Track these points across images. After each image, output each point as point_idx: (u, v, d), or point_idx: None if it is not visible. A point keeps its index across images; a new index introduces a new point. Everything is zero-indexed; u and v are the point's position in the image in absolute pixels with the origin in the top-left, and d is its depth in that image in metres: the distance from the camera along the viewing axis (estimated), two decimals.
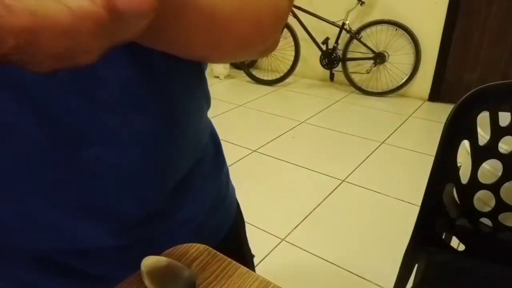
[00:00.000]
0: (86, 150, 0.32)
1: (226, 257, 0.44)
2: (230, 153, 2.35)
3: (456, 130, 0.83)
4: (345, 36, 3.31)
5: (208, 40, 0.29)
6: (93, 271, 0.40)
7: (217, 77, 3.83)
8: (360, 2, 3.17)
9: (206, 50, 0.30)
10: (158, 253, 0.41)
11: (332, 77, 3.59)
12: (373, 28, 3.22)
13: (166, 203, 0.41)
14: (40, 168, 0.31)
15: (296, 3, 3.36)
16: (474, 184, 0.87)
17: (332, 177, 2.11)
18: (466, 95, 0.80)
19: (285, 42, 3.60)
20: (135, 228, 0.40)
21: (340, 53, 3.37)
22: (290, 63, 3.50)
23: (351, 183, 2.06)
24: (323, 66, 3.47)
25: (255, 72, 3.75)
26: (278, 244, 1.63)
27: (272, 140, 2.54)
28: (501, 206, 0.87)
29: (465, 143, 0.85)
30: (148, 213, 0.40)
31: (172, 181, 0.41)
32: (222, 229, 0.52)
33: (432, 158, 0.86)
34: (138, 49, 0.27)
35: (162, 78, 0.34)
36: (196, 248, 0.45)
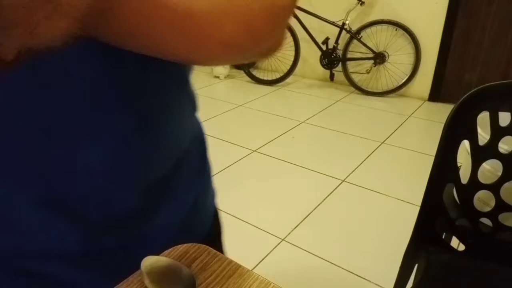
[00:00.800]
0: (54, 146, 0.31)
1: (226, 257, 0.44)
2: (230, 153, 2.36)
3: (456, 130, 0.83)
4: (345, 36, 3.31)
5: (185, 40, 0.27)
6: (65, 278, 0.38)
7: (217, 77, 3.83)
8: (360, 2, 3.17)
9: (185, 51, 0.28)
10: (134, 262, 0.40)
11: (332, 77, 3.59)
12: (373, 28, 3.22)
13: (141, 207, 0.39)
14: (7, 159, 0.30)
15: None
16: (474, 184, 0.87)
17: (332, 177, 2.11)
18: (466, 95, 0.80)
19: (285, 42, 3.59)
20: (106, 232, 0.38)
21: (340, 53, 3.37)
22: (290, 63, 3.50)
23: (351, 183, 2.06)
24: (323, 66, 3.47)
25: (255, 72, 3.75)
26: (278, 244, 1.63)
27: (272, 140, 2.54)
28: (501, 206, 0.87)
29: (465, 143, 0.85)
30: (119, 216, 0.38)
31: (145, 182, 0.39)
32: (198, 235, 0.49)
33: (432, 158, 0.86)
34: (112, 47, 0.27)
35: (135, 77, 0.33)
36: (196, 248, 0.45)
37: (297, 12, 3.35)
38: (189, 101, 0.43)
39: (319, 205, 1.88)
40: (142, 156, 0.37)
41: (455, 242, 0.95)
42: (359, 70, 3.42)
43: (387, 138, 2.56)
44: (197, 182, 0.48)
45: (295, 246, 1.62)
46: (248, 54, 0.32)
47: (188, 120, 0.44)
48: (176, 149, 0.42)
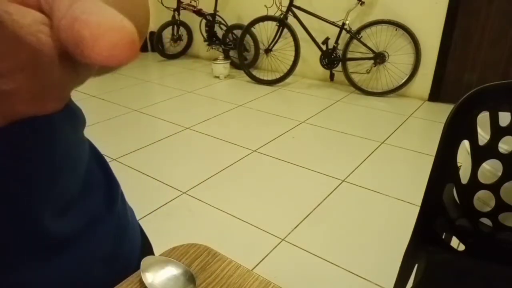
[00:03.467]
0: None
1: (226, 256, 0.44)
2: (230, 153, 2.36)
3: (456, 130, 0.83)
4: (345, 36, 3.31)
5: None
6: None
7: (217, 77, 3.83)
8: (360, 2, 3.17)
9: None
10: None
11: (332, 77, 3.59)
12: (373, 28, 3.22)
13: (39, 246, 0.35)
14: None
15: (296, 3, 3.36)
16: (474, 184, 0.87)
17: (332, 177, 2.11)
18: (466, 95, 0.80)
19: (285, 42, 3.60)
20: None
21: (340, 53, 3.37)
22: (290, 63, 3.50)
23: (351, 183, 2.06)
24: (323, 66, 3.47)
25: (255, 72, 3.75)
26: (278, 244, 1.63)
27: (272, 140, 2.54)
28: (501, 206, 0.87)
29: (465, 143, 0.85)
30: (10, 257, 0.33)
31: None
32: (131, 260, 0.46)
33: (432, 158, 0.86)
34: None
35: None
36: (196, 248, 0.45)
37: (297, 12, 3.35)
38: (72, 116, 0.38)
39: (319, 205, 1.88)
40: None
41: (455, 242, 0.95)
42: (359, 70, 3.42)
43: (387, 138, 2.56)
44: (110, 207, 0.43)
45: (295, 246, 1.62)
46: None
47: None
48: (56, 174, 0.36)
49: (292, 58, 3.48)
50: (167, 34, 4.34)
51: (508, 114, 0.80)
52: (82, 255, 0.39)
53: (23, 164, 0.31)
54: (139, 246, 0.48)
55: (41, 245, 0.35)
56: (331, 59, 3.40)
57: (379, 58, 3.25)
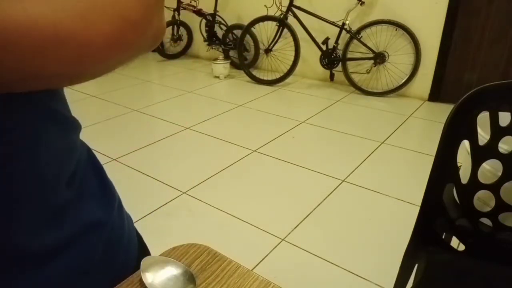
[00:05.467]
0: None
1: (226, 256, 0.44)
2: (230, 153, 2.36)
3: (456, 130, 0.83)
4: (345, 36, 3.31)
5: (64, 57, 0.24)
6: None
7: (217, 77, 3.83)
8: (360, 2, 3.17)
9: (67, 68, 0.25)
10: None
11: (332, 77, 3.59)
12: (373, 28, 3.22)
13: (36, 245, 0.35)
14: None
15: (296, 3, 3.36)
16: (474, 184, 0.87)
17: (332, 177, 2.11)
18: (466, 95, 0.80)
19: (285, 42, 3.60)
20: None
21: (340, 53, 3.37)
22: (290, 63, 3.50)
23: (351, 183, 2.06)
24: (323, 66, 3.47)
25: (255, 72, 3.75)
26: (278, 244, 1.63)
27: (272, 140, 2.54)
28: (501, 206, 0.87)
29: (465, 143, 0.85)
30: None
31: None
32: (128, 267, 0.46)
33: (432, 158, 0.86)
34: None
35: None
36: (196, 248, 0.45)
37: (297, 12, 3.35)
38: (61, 121, 0.37)
39: (319, 205, 1.88)
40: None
41: (455, 242, 0.95)
42: (359, 70, 3.42)
43: (387, 138, 2.56)
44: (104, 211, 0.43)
45: (295, 246, 1.62)
46: (136, 48, 0.30)
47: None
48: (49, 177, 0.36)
49: (292, 58, 3.48)
50: (167, 34, 4.34)
51: (508, 114, 0.80)
52: (63, 269, 0.37)
53: (4, 169, 0.31)
54: (135, 258, 0.47)
55: (13, 260, 0.34)
56: (331, 59, 3.40)
57: (379, 58, 3.25)
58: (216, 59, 3.83)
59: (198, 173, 2.14)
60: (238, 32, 3.88)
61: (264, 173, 2.18)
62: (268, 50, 3.69)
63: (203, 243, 0.46)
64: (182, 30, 4.43)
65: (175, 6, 4.18)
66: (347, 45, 3.30)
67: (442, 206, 0.89)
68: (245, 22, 3.65)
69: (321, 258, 1.56)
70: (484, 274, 0.88)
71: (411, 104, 3.17)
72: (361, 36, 3.24)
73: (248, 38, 3.73)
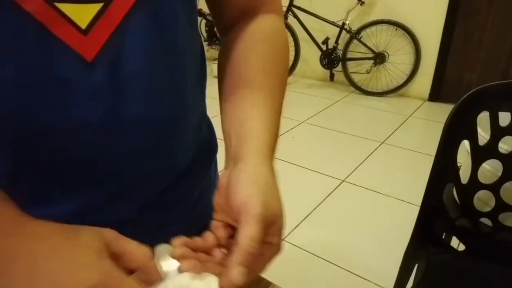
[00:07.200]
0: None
1: None
2: None
3: (456, 130, 0.83)
4: (345, 36, 3.31)
5: None
6: None
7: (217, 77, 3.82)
8: (360, 2, 3.17)
9: None
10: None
11: (332, 77, 3.59)
12: (373, 28, 3.22)
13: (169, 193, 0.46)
14: None
15: (296, 3, 3.36)
16: (474, 184, 0.87)
17: (332, 177, 2.11)
18: (466, 95, 0.80)
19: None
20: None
21: (340, 53, 3.37)
22: (290, 63, 3.50)
23: (351, 183, 2.06)
24: (323, 66, 3.47)
25: None
26: None
27: None
28: (501, 206, 0.87)
29: (465, 143, 0.85)
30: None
31: (173, 169, 0.46)
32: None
33: (432, 158, 0.86)
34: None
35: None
36: None
37: (297, 12, 3.35)
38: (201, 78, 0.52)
39: (319, 205, 1.88)
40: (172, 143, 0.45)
41: (455, 242, 0.95)
42: (359, 70, 3.42)
43: (387, 138, 2.56)
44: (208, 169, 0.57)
45: (295, 246, 1.62)
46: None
47: (204, 116, 0.56)
48: (196, 139, 0.53)
49: (292, 58, 3.48)
50: None
51: (508, 114, 0.80)
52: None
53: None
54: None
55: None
56: (331, 59, 3.40)
57: (379, 58, 3.25)
58: (216, 59, 3.82)
59: None
60: None
61: None
62: None
63: None
64: None
65: None
66: (347, 45, 3.30)
67: (442, 206, 0.89)
68: None
69: (321, 258, 1.55)
70: (484, 274, 0.88)
71: (411, 104, 3.17)
72: (361, 36, 3.24)
73: None
